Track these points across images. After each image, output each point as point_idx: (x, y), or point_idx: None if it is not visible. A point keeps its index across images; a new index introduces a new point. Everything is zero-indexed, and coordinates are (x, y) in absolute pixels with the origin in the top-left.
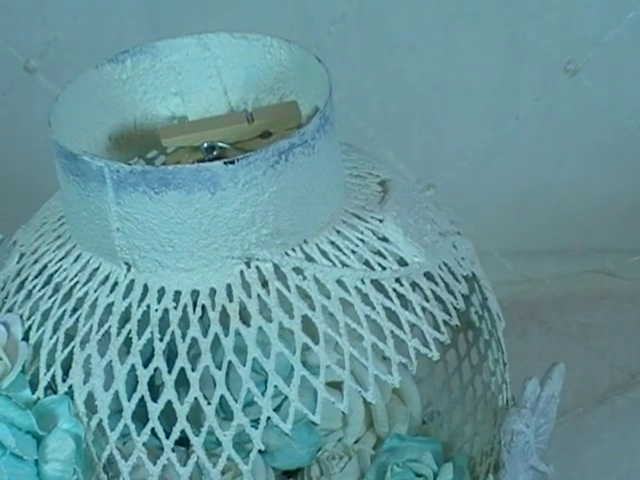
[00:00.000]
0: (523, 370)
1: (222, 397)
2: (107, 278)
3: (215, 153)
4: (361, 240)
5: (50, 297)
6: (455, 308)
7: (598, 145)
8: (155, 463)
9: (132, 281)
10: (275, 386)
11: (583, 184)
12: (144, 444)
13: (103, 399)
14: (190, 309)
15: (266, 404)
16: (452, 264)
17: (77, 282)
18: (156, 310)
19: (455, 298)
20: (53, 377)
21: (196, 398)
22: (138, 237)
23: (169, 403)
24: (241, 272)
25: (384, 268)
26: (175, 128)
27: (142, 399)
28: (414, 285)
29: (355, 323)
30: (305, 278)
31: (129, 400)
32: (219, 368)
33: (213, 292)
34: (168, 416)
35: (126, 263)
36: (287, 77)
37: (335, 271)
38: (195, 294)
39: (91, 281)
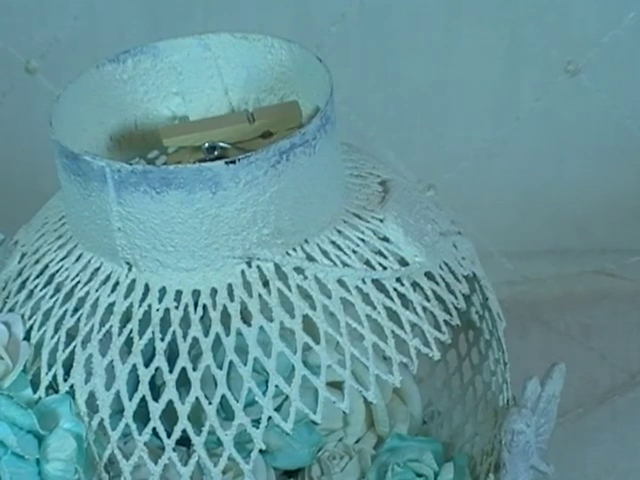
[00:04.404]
0: (524, 370)
1: (223, 397)
2: (108, 278)
3: (216, 153)
4: (362, 240)
5: (51, 297)
6: (456, 308)
7: (598, 145)
8: (156, 462)
9: (133, 281)
10: (276, 386)
11: (583, 184)
12: (145, 444)
13: (104, 398)
14: (191, 309)
15: (267, 404)
16: (453, 264)
17: (78, 282)
18: (157, 310)
19: (456, 298)
20: (54, 377)
21: (197, 398)
22: (139, 237)
23: (170, 403)
24: (242, 272)
25: (385, 268)
26: (176, 128)
27: (143, 399)
28: (415, 285)
29: (356, 323)
30: (306, 278)
31: (130, 400)
32: (220, 368)
33: (214, 292)
34: (169, 416)
35: (127, 263)
36: (288, 77)
37: (336, 271)
38: (196, 294)
39: (92, 281)
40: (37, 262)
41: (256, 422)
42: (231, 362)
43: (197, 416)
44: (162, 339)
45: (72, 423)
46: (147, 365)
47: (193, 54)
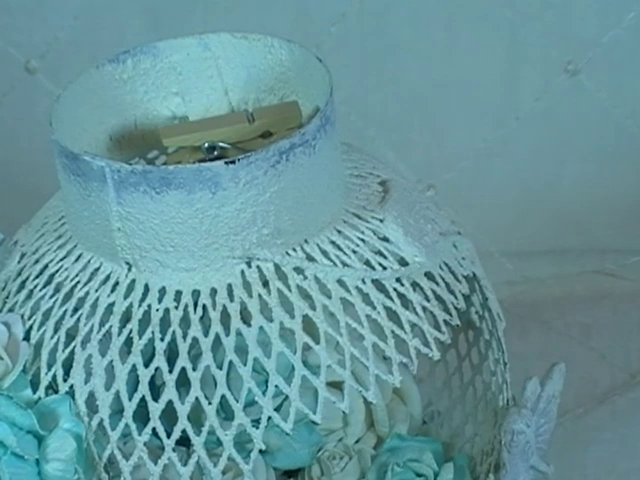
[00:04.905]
0: (523, 370)
1: (223, 397)
2: (108, 278)
3: (216, 153)
4: (362, 240)
5: (51, 297)
6: (456, 308)
7: (598, 145)
8: (156, 463)
9: (133, 281)
10: (276, 386)
11: (583, 184)
12: (145, 444)
13: (104, 399)
14: (191, 309)
15: (267, 404)
16: (453, 264)
17: (78, 282)
18: (157, 310)
19: (456, 298)
20: (54, 377)
21: (197, 398)
22: (139, 237)
23: (170, 403)
24: (242, 272)
25: (385, 268)
26: (176, 128)
27: (143, 399)
28: (415, 285)
29: (356, 323)
30: (306, 278)
31: (130, 400)
32: (220, 368)
33: (214, 292)
34: (169, 416)
35: (127, 263)
36: (288, 77)
37: (336, 271)
38: (196, 294)
39: (92, 281)
40: (37, 262)
41: (256, 422)
42: (231, 362)
43: (197, 416)
44: (162, 339)
45: (72, 423)
46: (147, 365)
47: (193, 54)
